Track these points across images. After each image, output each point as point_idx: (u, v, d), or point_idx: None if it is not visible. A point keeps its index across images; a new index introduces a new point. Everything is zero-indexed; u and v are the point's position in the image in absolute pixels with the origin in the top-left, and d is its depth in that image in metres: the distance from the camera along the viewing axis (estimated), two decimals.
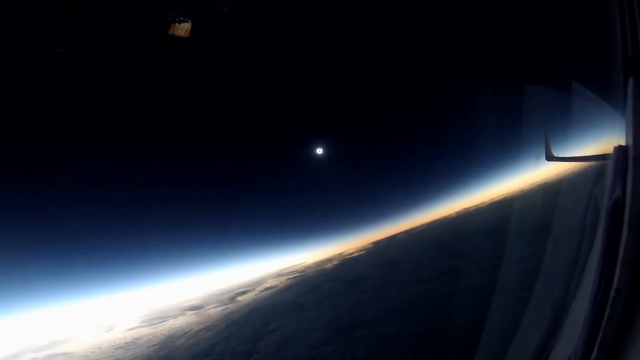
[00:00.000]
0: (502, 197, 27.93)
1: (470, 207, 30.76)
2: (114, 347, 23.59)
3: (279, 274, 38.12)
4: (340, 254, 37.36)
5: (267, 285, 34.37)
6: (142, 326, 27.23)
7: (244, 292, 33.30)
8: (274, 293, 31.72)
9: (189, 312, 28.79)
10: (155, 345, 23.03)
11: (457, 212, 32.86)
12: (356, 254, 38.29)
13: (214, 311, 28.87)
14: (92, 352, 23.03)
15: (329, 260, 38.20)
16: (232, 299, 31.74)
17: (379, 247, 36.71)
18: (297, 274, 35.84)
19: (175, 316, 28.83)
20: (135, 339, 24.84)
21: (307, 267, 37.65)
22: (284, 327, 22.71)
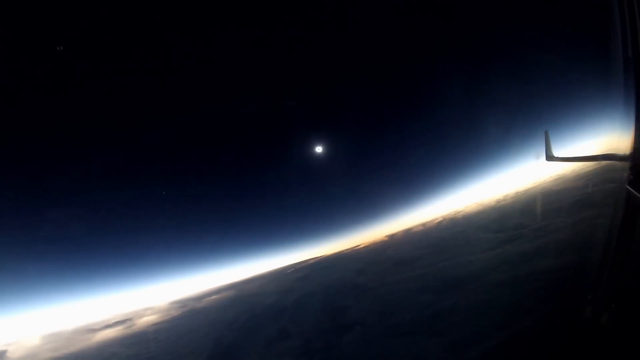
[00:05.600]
0: (520, 190, 32.15)
1: (487, 201, 34.45)
2: (153, 340, 18.34)
3: (297, 266, 35.93)
4: (355, 246, 37.23)
5: (296, 275, 31.97)
6: (164, 320, 21.93)
7: (273, 282, 30.28)
8: (312, 280, 29.74)
9: (221, 302, 24.63)
10: (208, 335, 18.91)
11: (475, 206, 36.32)
12: (374, 246, 38.38)
13: (255, 300, 25.38)
14: (129, 347, 17.41)
15: (346, 252, 37.62)
16: (265, 287, 28.47)
17: (397, 239, 37.19)
18: (323, 264, 34.41)
19: (202, 308, 24.28)
20: (172, 330, 19.77)
21: (326, 258, 36.26)
22: (359, 304, 21.42)
